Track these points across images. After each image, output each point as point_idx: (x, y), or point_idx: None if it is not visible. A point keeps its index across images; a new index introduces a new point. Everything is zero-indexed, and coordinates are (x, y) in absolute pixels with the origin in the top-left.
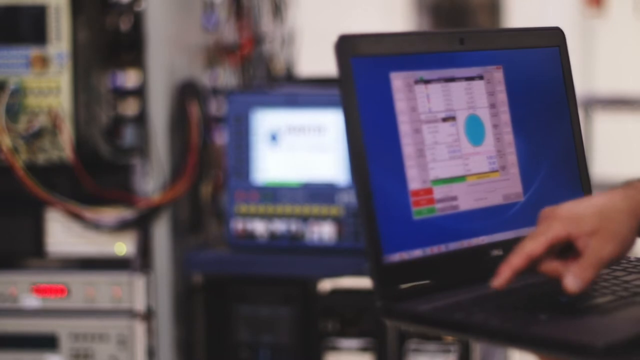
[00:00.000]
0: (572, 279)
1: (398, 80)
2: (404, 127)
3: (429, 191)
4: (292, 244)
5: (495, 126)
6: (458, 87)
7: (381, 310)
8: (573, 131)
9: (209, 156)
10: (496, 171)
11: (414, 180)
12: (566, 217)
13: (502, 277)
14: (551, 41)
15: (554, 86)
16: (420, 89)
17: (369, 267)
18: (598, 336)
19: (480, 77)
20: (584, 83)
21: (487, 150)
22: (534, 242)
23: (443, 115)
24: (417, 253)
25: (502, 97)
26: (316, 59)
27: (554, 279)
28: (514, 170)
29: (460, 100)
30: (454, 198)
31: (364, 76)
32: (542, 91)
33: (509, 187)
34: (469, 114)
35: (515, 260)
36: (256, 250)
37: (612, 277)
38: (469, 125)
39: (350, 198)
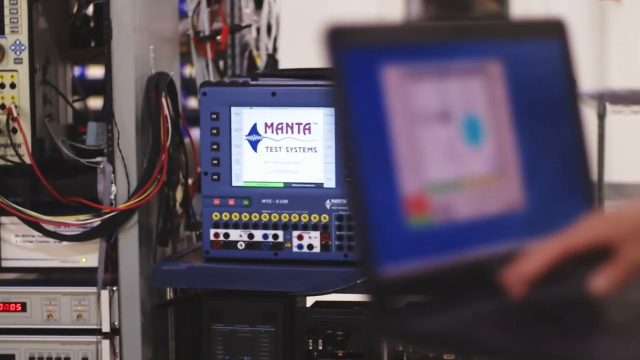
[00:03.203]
0: (603, 277)
1: (392, 75)
2: (398, 126)
3: (424, 197)
4: (274, 255)
5: (494, 126)
6: (454, 83)
7: (379, 328)
8: (577, 132)
9: (182, 157)
10: (495, 175)
11: (408, 186)
12: (609, 217)
13: (534, 263)
14: (552, 32)
15: (556, 82)
16: (414, 84)
17: (364, 282)
18: (612, 357)
19: (478, 72)
20: (597, 77)
21: (485, 153)
22: (577, 234)
23: (438, 113)
24: (415, 266)
25: (501, 93)
26: (299, 49)
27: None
28: (515, 175)
29: (456, 97)
30: (451, 205)
31: (355, 70)
32: (543, 88)
33: (509, 192)
34: (466, 112)
35: (553, 248)
36: (234, 262)
37: (625, 295)
38: (466, 124)
39: (338, 204)
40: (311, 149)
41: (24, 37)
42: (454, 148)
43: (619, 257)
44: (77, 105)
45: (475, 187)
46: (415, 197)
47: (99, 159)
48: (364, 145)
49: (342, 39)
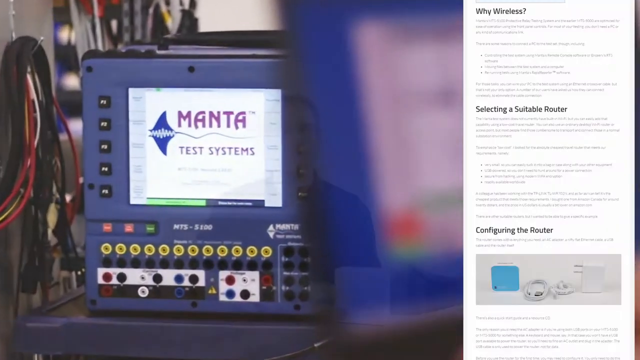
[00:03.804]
0: None
1: (370, 35)
2: (378, 110)
3: (415, 216)
4: (192, 306)
5: None
6: (462, 49)
7: None
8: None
9: (57, 162)
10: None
11: (392, 199)
12: None
13: None
14: None
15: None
16: (403, 49)
17: (325, 345)
18: None
19: None
20: None
21: None
22: None
23: (438, 92)
24: (399, 318)
25: None
26: (228, 2)
27: None
28: None
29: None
30: (453, 227)
31: (316, 27)
32: None
33: None
34: None
35: None
36: (133, 316)
37: None
38: None
39: (287, 231)
40: (247, 150)
41: None
42: (460, 143)
43: None
44: None
45: None
46: (403, 216)
47: None
48: (327, 139)
49: None
